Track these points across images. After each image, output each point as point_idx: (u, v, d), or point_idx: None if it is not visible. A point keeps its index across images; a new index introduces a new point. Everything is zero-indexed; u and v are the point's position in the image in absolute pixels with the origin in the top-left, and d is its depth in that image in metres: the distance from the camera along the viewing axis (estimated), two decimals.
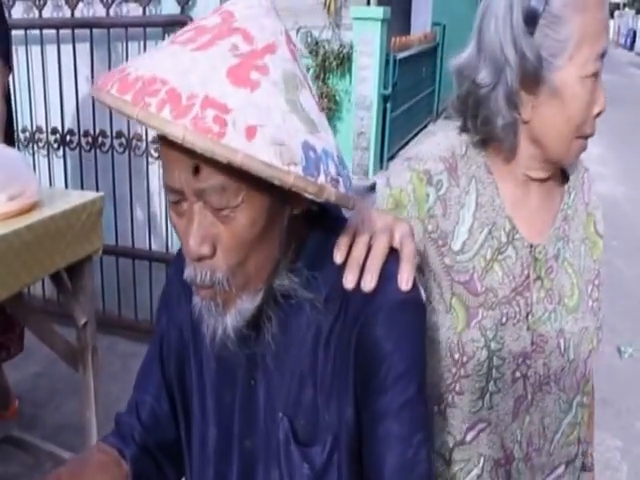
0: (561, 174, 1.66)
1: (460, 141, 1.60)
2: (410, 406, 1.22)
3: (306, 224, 1.26)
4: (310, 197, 1.07)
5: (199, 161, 1.05)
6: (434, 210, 1.55)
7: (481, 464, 1.59)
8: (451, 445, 1.59)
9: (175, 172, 1.09)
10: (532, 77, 1.43)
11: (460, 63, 1.53)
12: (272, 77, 1.07)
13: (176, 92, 1.01)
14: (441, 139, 1.64)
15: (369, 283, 1.22)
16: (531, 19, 1.41)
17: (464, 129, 1.59)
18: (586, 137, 1.52)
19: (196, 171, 1.07)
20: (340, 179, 1.11)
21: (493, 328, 1.54)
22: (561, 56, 1.42)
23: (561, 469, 1.67)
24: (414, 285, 1.25)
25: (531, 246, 1.58)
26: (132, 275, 5.03)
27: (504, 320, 1.55)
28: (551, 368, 1.58)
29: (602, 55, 1.44)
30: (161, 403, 1.46)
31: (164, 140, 1.06)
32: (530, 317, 1.57)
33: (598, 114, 1.50)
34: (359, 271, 1.23)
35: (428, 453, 1.24)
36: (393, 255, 1.26)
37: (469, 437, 1.58)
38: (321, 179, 1.07)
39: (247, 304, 1.21)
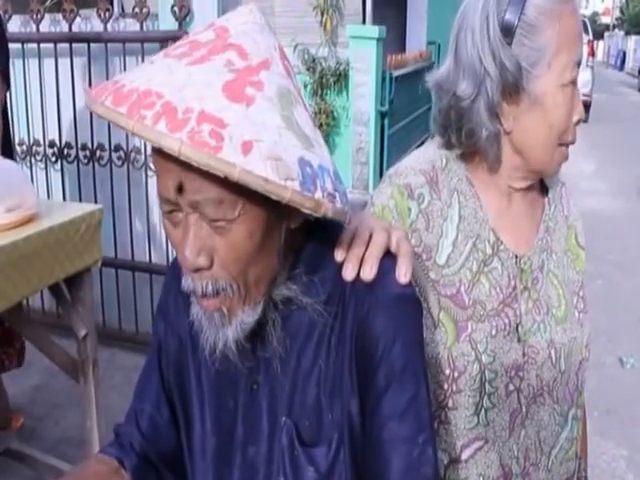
0: (540, 185, 1.68)
1: (440, 154, 1.60)
2: (414, 404, 1.22)
3: (303, 235, 1.26)
4: (307, 212, 1.07)
5: (194, 174, 1.05)
6: (417, 224, 1.54)
7: None
8: (446, 462, 1.56)
9: (169, 183, 1.09)
10: (512, 87, 1.44)
11: (438, 78, 1.55)
12: (267, 93, 1.08)
13: (172, 105, 1.02)
14: (421, 153, 1.64)
15: (368, 273, 1.23)
16: (507, 30, 1.42)
17: (448, 145, 1.59)
18: (567, 145, 1.53)
19: (189, 184, 1.08)
20: (337, 194, 1.12)
21: (483, 341, 1.53)
22: (540, 65, 1.44)
23: None
24: (410, 281, 1.25)
25: (516, 257, 1.58)
26: (132, 287, 5.03)
27: (494, 332, 1.53)
28: (543, 380, 1.58)
29: (578, 63, 1.48)
30: (161, 411, 1.45)
31: (158, 152, 1.06)
32: (520, 328, 1.56)
33: (578, 122, 1.51)
34: (358, 263, 1.24)
35: (434, 452, 1.23)
36: (389, 255, 1.27)
37: (465, 455, 1.55)
38: (318, 194, 1.07)
39: (248, 317, 1.21)
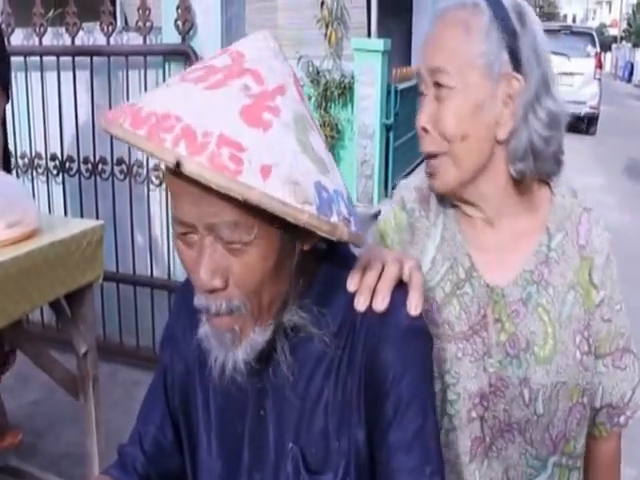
0: (540, 213, 1.60)
1: None
2: (421, 436, 1.22)
3: (315, 261, 1.27)
4: (324, 235, 1.09)
5: (211, 197, 1.06)
6: (404, 235, 1.61)
7: None
8: None
9: (185, 206, 1.10)
10: None
11: None
12: (283, 118, 1.09)
13: (191, 129, 1.03)
14: (421, 171, 1.64)
15: (380, 304, 1.23)
16: None
17: None
18: (428, 157, 1.53)
19: (206, 207, 1.08)
20: (351, 218, 1.14)
21: (448, 362, 1.53)
22: None
23: None
24: (421, 314, 1.26)
25: (488, 286, 1.55)
26: (133, 302, 5.00)
27: (460, 355, 1.53)
28: (513, 416, 1.53)
29: (430, 70, 1.48)
30: (165, 434, 1.46)
31: (175, 174, 1.07)
32: (487, 358, 1.53)
33: (423, 129, 1.51)
34: (370, 294, 1.25)
35: None
36: (401, 286, 1.27)
37: None
38: (334, 218, 1.09)
39: (258, 337, 1.21)
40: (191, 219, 1.11)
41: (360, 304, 1.24)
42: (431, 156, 1.50)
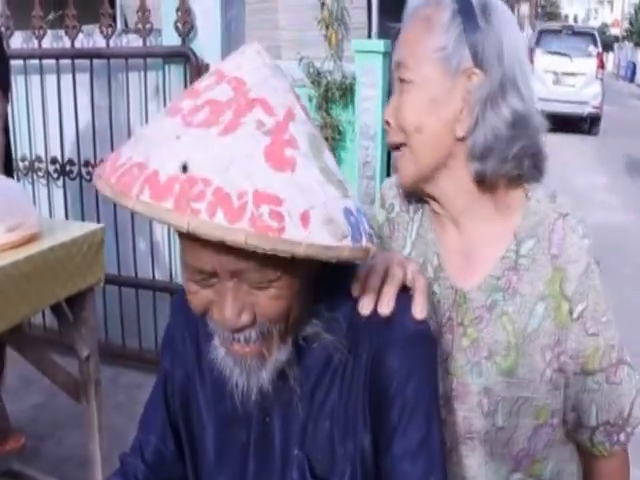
0: (511, 217, 1.52)
1: None
2: (426, 444, 1.21)
3: (321, 266, 1.23)
4: (358, 262, 1.11)
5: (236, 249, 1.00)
6: (383, 231, 1.62)
7: None
8: None
9: (205, 256, 1.05)
10: None
11: None
12: (302, 149, 1.05)
13: (224, 192, 0.96)
14: None
15: (385, 307, 1.22)
16: None
17: None
18: (393, 147, 1.53)
19: (231, 257, 1.04)
20: (372, 234, 1.12)
21: None
22: None
23: None
24: (426, 318, 1.25)
25: (452, 288, 1.52)
26: (135, 305, 4.98)
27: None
28: (473, 425, 1.50)
29: (397, 63, 1.49)
30: (166, 443, 1.44)
31: (193, 237, 1.00)
32: (451, 361, 1.51)
33: (386, 122, 1.51)
34: (375, 298, 1.24)
35: None
36: (405, 291, 1.26)
37: None
38: (364, 241, 1.07)
39: (281, 355, 1.19)
40: (213, 268, 1.07)
41: (365, 308, 1.23)
42: (394, 149, 1.50)
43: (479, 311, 1.49)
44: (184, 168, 0.98)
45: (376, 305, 1.23)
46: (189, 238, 1.03)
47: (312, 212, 1.00)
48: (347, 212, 1.06)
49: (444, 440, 1.28)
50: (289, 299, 1.12)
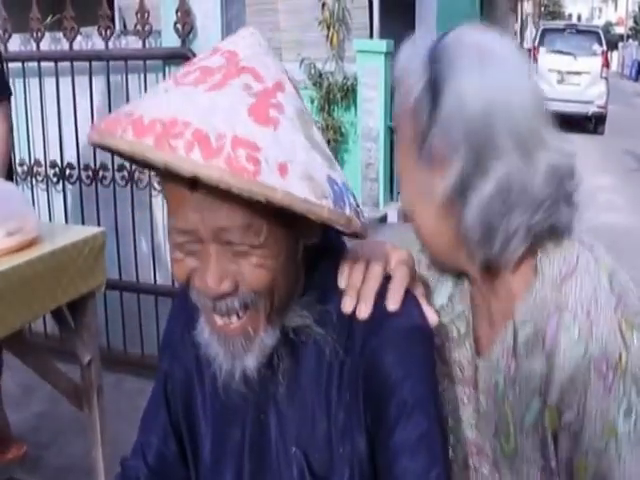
0: (517, 293, 1.36)
1: None
2: (426, 440, 1.19)
3: (312, 257, 1.25)
4: (340, 228, 1.10)
5: (218, 202, 1.04)
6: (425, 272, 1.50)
7: None
8: None
9: (189, 213, 1.08)
10: None
11: None
12: (288, 114, 1.08)
13: (203, 133, 1.00)
14: None
15: (363, 312, 1.22)
16: None
17: None
18: None
19: (213, 213, 1.06)
20: (359, 210, 1.15)
21: (452, 404, 1.45)
22: None
23: None
24: (421, 313, 1.25)
25: (474, 349, 1.43)
26: (137, 310, 4.95)
27: (465, 401, 1.44)
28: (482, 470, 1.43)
29: None
30: (168, 444, 1.43)
31: (174, 182, 1.06)
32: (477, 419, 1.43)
33: None
34: (356, 296, 1.23)
35: None
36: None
37: None
38: (347, 210, 1.10)
39: (268, 339, 1.19)
40: (195, 226, 1.08)
41: (346, 307, 1.23)
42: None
43: (487, 384, 1.40)
44: (169, 115, 1.03)
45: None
46: (174, 194, 1.08)
47: (291, 165, 1.03)
48: (330, 180, 1.09)
49: (446, 436, 1.25)
50: (272, 271, 1.12)
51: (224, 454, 1.33)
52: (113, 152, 1.13)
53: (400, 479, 1.18)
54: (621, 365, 1.22)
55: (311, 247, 1.22)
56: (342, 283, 1.25)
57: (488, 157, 1.24)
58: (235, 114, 1.03)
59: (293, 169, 1.03)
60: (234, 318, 1.15)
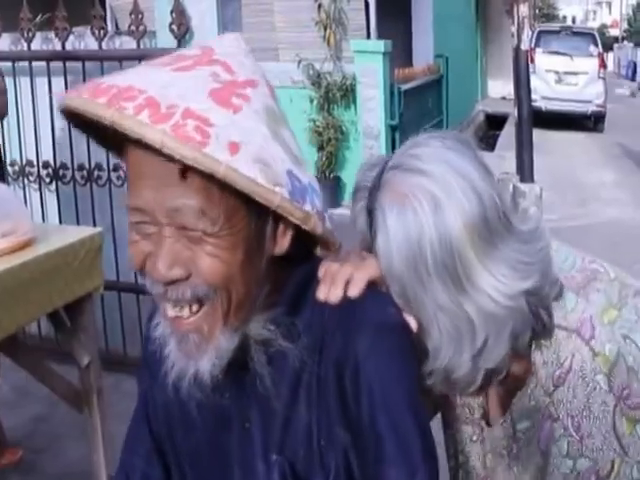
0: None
1: None
2: (405, 445, 1.14)
3: (284, 269, 1.21)
4: (296, 222, 1.07)
5: (174, 180, 1.02)
6: None
7: None
8: None
9: (145, 191, 1.06)
10: None
11: None
12: (253, 105, 1.07)
13: (155, 100, 1.00)
14: None
15: (333, 295, 1.19)
16: None
17: None
18: None
19: (169, 191, 1.04)
20: (326, 216, 1.13)
21: (462, 442, 1.48)
22: None
23: None
24: (398, 311, 1.21)
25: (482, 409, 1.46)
26: (136, 311, 4.88)
27: (474, 438, 1.47)
28: None
29: None
30: (152, 465, 1.40)
31: (133, 153, 1.05)
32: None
33: None
34: (330, 284, 1.20)
35: None
36: (369, 288, 1.21)
37: None
38: (307, 207, 1.08)
39: (224, 343, 1.14)
40: (150, 205, 1.06)
41: (321, 294, 1.20)
42: None
43: (493, 448, 1.43)
44: (126, 83, 1.04)
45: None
46: (132, 170, 1.08)
47: (243, 146, 1.00)
48: (291, 174, 1.07)
49: (430, 434, 1.18)
50: (227, 265, 1.08)
51: (213, 466, 1.31)
52: (74, 119, 1.14)
53: (385, 463, 1.14)
54: (613, 471, 1.25)
55: (282, 262, 1.18)
56: (321, 295, 1.18)
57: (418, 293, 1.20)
58: (194, 92, 1.02)
59: (246, 150, 1.00)
60: (186, 311, 1.11)
